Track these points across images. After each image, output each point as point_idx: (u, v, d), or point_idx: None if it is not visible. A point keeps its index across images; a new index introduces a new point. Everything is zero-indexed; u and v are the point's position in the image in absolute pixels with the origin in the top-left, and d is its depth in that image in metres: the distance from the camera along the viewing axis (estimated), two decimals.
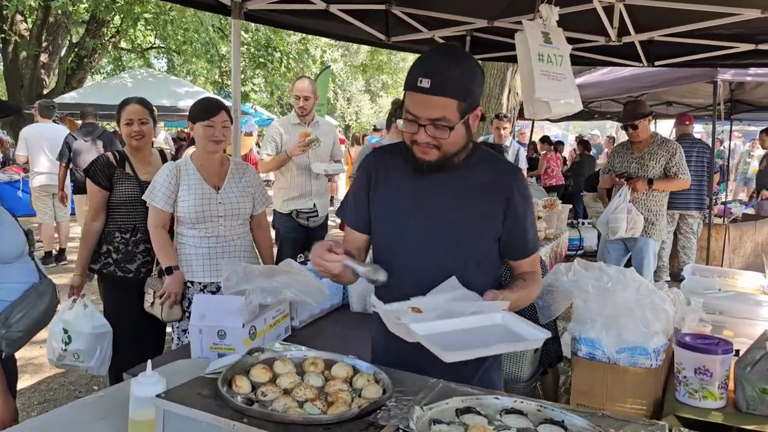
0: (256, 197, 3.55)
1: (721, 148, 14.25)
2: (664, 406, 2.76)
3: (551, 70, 3.92)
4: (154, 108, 3.79)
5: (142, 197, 3.41)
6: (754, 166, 14.67)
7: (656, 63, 5.82)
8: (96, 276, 3.77)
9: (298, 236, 4.58)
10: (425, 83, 1.81)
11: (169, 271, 3.30)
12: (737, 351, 2.74)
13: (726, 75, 6.30)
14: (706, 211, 7.59)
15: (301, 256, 3.61)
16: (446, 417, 1.60)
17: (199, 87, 16.84)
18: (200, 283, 3.38)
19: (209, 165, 3.41)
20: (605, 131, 21.50)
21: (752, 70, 6.35)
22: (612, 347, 2.92)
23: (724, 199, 11.00)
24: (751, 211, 9.39)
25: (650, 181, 5.15)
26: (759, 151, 15.36)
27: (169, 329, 3.81)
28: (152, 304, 3.36)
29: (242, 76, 20.02)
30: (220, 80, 19.66)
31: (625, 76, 7.66)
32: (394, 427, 1.51)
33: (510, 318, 1.78)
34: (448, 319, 1.72)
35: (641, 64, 5.85)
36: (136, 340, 3.59)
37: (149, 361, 1.73)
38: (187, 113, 3.53)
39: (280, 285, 2.57)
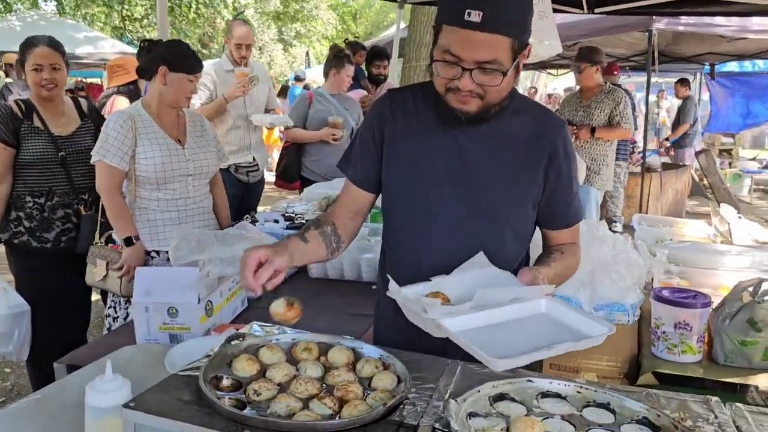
0: (219, 152, 3.19)
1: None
2: (641, 363, 2.67)
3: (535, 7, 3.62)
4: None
5: (93, 155, 2.90)
6: (663, 116, 15.25)
7: (596, 10, 5.72)
8: (4, 247, 3.26)
9: (236, 192, 4.18)
10: (475, 16, 1.43)
11: (129, 241, 2.85)
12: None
13: (660, 24, 6.29)
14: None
15: (247, 217, 3.25)
16: (481, 408, 1.36)
17: (98, 32, 15.43)
18: (167, 252, 2.95)
19: (167, 116, 2.98)
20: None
21: (683, 20, 6.37)
22: (589, 304, 2.80)
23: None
24: (656, 158, 9.63)
25: (593, 130, 5.16)
26: (667, 102, 15.99)
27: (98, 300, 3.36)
28: (105, 277, 2.91)
29: (145, 21, 18.64)
30: (121, 26, 18.17)
31: (561, 24, 7.54)
32: (429, 428, 1.26)
33: (556, 306, 1.53)
34: (485, 311, 1.45)
35: (582, 11, 5.72)
36: (59, 319, 3.15)
37: (108, 362, 1.38)
38: (137, 54, 3.11)
39: (240, 253, 2.22)
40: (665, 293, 2.67)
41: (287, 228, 3.29)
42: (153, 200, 2.95)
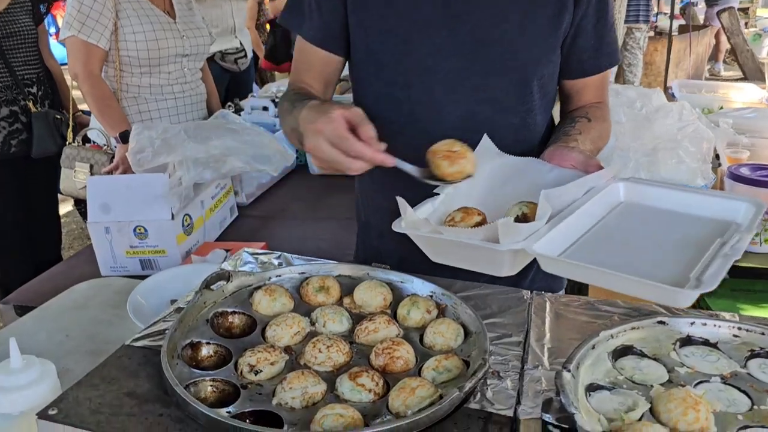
0: (209, 30, 2.64)
1: None
2: None
3: None
4: None
5: (62, 31, 2.30)
6: None
7: None
8: None
9: (224, 83, 3.55)
10: None
11: (125, 137, 2.25)
12: None
13: None
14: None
15: (230, 105, 2.67)
16: (602, 374, 0.88)
17: None
18: None
19: None
20: None
21: None
22: None
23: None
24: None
25: None
26: None
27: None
28: None
29: None
30: None
31: None
32: (539, 424, 0.78)
33: (649, 191, 1.03)
34: (566, 221, 0.93)
35: None
36: (26, 238, 2.71)
37: (12, 343, 0.87)
38: None
39: (220, 151, 1.69)
40: (744, 171, 2.17)
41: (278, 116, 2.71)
42: (144, 87, 2.42)
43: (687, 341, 0.97)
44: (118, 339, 1.25)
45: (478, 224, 0.92)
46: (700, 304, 1.78)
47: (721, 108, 3.38)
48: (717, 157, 2.63)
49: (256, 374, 0.89)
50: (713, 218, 1.04)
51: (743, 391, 0.87)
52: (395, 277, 1.12)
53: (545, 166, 1.14)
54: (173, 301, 1.43)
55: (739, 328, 0.97)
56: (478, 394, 0.83)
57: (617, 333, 0.95)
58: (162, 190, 1.67)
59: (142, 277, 1.60)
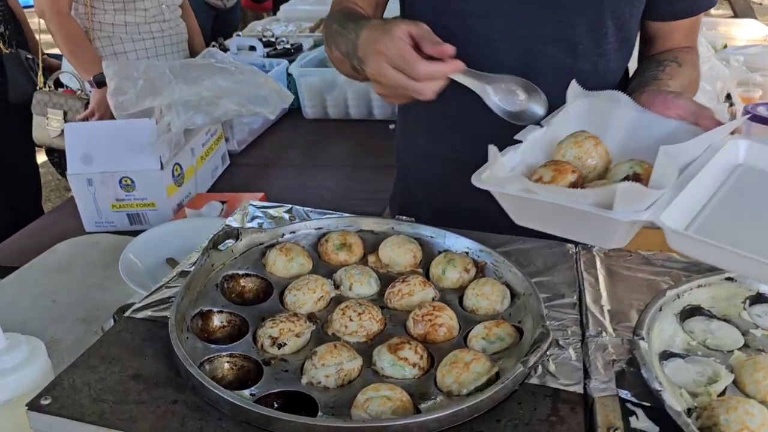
0: None
1: None
2: None
3: None
4: None
5: None
6: None
7: None
8: None
9: (205, 24, 3.30)
10: None
11: (100, 81, 2.05)
12: None
13: None
14: None
15: (215, 44, 2.48)
16: (670, 339, 0.78)
17: None
18: None
19: None
20: None
21: None
22: None
23: None
24: None
25: None
26: None
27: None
28: (62, 132, 2.19)
29: None
30: None
31: None
32: (615, 400, 0.68)
33: (762, 150, 0.87)
34: (690, 185, 0.76)
35: None
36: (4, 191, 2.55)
37: None
38: None
39: (212, 93, 1.53)
40: (762, 110, 2.06)
41: (268, 56, 2.53)
42: (119, 26, 2.21)
43: (757, 299, 0.87)
44: (111, 304, 1.13)
45: (573, 185, 0.76)
46: None
47: (725, 46, 3.24)
48: (728, 96, 2.51)
49: (279, 348, 0.77)
50: None
51: None
52: (424, 231, 0.99)
53: (649, 116, 0.90)
54: (169, 260, 1.31)
55: None
56: (539, 367, 0.72)
57: (683, 292, 0.85)
58: (149, 137, 1.52)
59: (131, 233, 1.46)
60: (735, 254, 0.62)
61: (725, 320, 0.83)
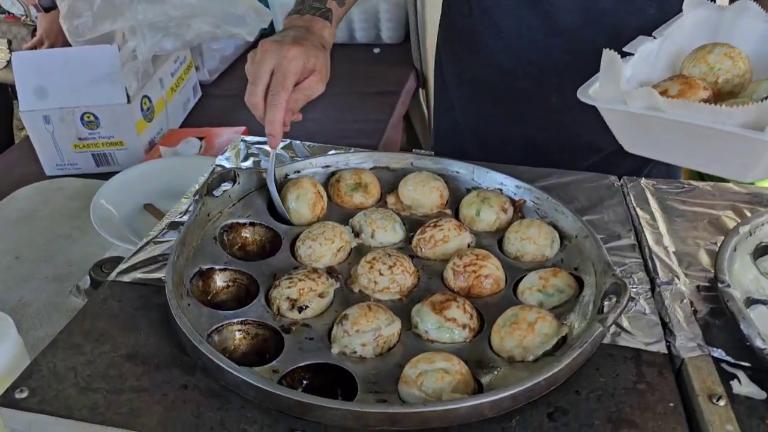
0: None
1: None
2: None
3: None
4: None
5: None
6: None
7: None
8: None
9: None
10: None
11: (48, 5, 1.80)
12: None
13: None
14: None
15: None
16: (750, 284, 0.68)
17: None
18: None
19: None
20: None
21: None
22: None
23: None
24: None
25: None
26: None
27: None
28: (9, 63, 1.94)
29: None
30: None
31: None
32: (709, 361, 0.57)
33: None
34: None
35: None
36: None
37: None
38: None
39: (182, 12, 1.33)
40: None
41: None
42: None
43: None
44: (85, 259, 0.99)
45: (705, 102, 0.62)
46: None
47: None
48: None
49: (300, 311, 0.65)
50: None
51: None
52: (451, 166, 0.87)
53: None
54: (148, 206, 1.16)
55: None
56: (616, 320, 0.62)
57: (756, 228, 0.74)
58: (112, 66, 1.33)
59: (100, 177, 1.30)
60: None
61: None
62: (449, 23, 1.09)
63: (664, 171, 1.07)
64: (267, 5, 2.09)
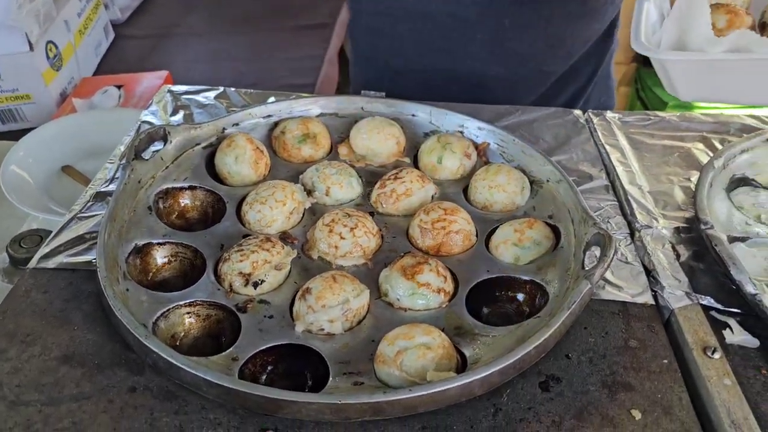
0: None
1: None
2: None
3: None
4: None
5: None
6: None
7: None
8: None
9: None
10: None
11: None
12: None
13: None
14: None
15: None
16: (727, 221, 0.65)
17: None
18: None
19: None
20: None
21: None
22: None
23: None
24: None
25: None
26: None
27: None
28: None
29: None
30: None
31: None
32: (698, 309, 0.54)
33: None
34: None
35: None
36: None
37: None
38: None
39: None
40: None
41: None
42: None
43: None
44: None
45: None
46: None
47: None
48: None
49: (255, 287, 0.58)
50: None
51: None
52: (404, 108, 0.79)
53: None
54: (67, 168, 1.04)
55: None
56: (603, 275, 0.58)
57: (728, 160, 0.71)
58: (6, 9, 1.17)
59: (7, 137, 1.16)
60: None
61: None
62: None
63: (600, 98, 1.04)
64: None
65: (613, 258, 0.54)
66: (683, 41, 0.51)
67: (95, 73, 1.49)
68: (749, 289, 0.53)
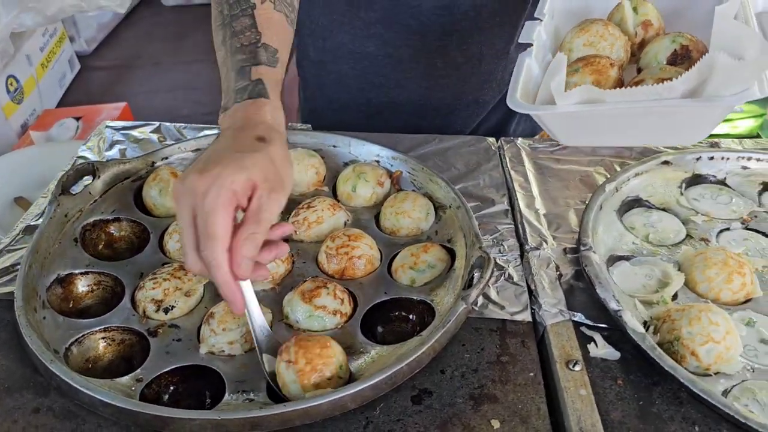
0: None
1: None
2: None
3: None
4: None
5: None
6: None
7: None
8: None
9: None
10: None
11: None
12: None
13: None
14: None
15: None
16: (616, 241, 0.70)
17: None
18: None
19: None
20: None
21: None
22: None
23: None
24: None
25: None
26: None
27: None
28: None
29: None
30: None
31: None
32: (569, 325, 0.59)
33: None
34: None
35: None
36: None
37: None
38: None
39: None
40: None
41: None
42: None
43: (693, 181, 0.80)
44: None
45: (617, 83, 0.60)
46: None
47: None
48: None
49: (166, 312, 0.63)
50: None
51: None
52: (326, 139, 0.84)
53: None
54: (19, 200, 1.09)
55: (749, 158, 0.82)
56: (479, 295, 0.62)
57: (621, 183, 0.76)
58: None
59: None
60: None
61: (664, 210, 0.76)
62: None
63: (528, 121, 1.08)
64: None
65: (489, 279, 0.59)
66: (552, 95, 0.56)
67: (60, 104, 1.54)
68: (612, 305, 0.58)
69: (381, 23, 0.92)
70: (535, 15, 0.67)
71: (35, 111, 1.41)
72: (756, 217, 0.75)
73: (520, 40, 0.65)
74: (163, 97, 1.49)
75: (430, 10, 0.90)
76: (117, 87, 1.57)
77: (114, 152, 0.86)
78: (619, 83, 0.61)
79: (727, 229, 0.74)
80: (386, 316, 0.65)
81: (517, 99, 0.58)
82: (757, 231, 0.74)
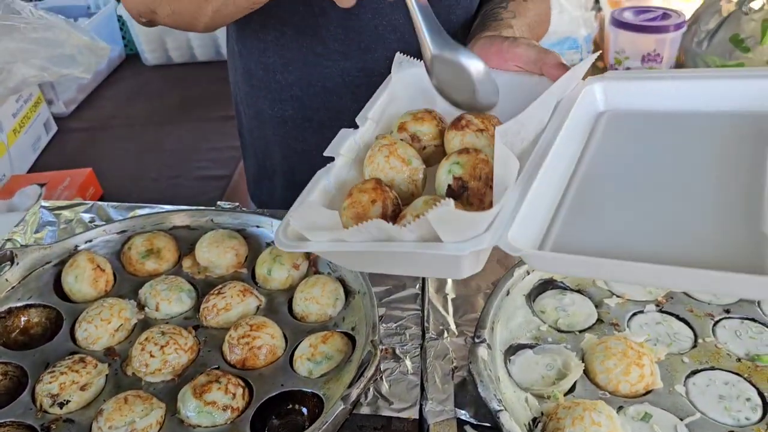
0: None
1: None
2: None
3: None
4: None
5: None
6: None
7: None
8: None
9: None
10: None
11: None
12: None
13: None
14: None
15: None
16: (521, 327, 0.70)
17: None
18: None
19: None
20: None
21: None
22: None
23: None
24: None
25: None
26: None
27: None
28: None
29: None
30: None
31: None
32: (450, 421, 0.59)
33: (622, 88, 0.71)
34: (542, 171, 0.55)
35: None
36: None
37: None
38: None
39: (2, 59, 1.27)
40: (627, 16, 2.06)
41: None
42: None
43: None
44: None
45: (393, 205, 0.59)
46: None
47: None
48: (597, 1, 2.45)
49: (61, 407, 0.63)
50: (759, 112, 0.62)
51: (682, 320, 0.73)
52: (249, 220, 0.86)
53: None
54: None
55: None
56: (370, 390, 0.62)
57: (532, 267, 0.76)
58: None
59: None
60: (625, 266, 0.45)
61: (578, 291, 0.76)
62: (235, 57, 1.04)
63: None
64: (123, 29, 2.03)
65: (371, 378, 0.59)
66: None
67: (33, 167, 1.57)
68: (493, 405, 0.58)
69: (297, 85, 0.93)
70: (356, 119, 0.68)
71: (4, 176, 1.44)
72: (672, 298, 0.75)
73: (325, 153, 0.65)
74: (130, 161, 1.52)
75: (346, 70, 0.91)
76: (90, 150, 1.60)
77: (43, 234, 0.87)
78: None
79: (641, 311, 0.74)
80: (283, 409, 0.65)
81: (282, 235, 0.58)
82: (671, 314, 0.73)
